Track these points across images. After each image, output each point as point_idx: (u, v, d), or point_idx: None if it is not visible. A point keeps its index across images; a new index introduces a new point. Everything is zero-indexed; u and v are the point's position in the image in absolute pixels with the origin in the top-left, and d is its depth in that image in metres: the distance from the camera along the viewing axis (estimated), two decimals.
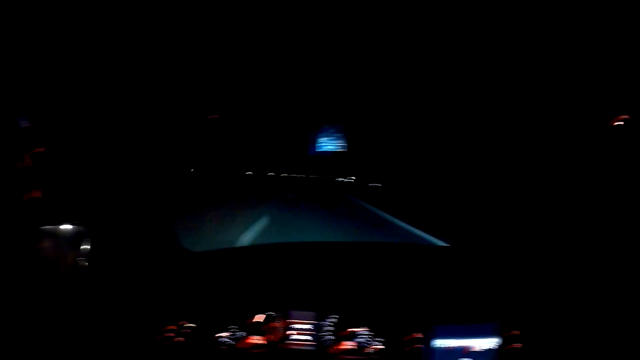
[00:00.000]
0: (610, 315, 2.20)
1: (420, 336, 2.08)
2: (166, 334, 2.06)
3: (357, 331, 2.09)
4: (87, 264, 2.21)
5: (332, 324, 2.10)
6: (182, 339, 2.05)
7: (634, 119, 2.85)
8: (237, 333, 2.08)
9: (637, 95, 2.88)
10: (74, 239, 2.31)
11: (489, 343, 2.16)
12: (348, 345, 2.08)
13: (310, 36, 3.51)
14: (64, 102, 2.72)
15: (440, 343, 2.10)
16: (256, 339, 2.08)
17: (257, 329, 2.09)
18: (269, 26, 3.24)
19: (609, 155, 2.83)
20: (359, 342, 2.09)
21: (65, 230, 2.32)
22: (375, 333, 2.09)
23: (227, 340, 2.07)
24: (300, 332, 2.09)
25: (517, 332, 2.18)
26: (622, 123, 2.91)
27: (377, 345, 2.09)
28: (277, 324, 2.10)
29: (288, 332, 2.09)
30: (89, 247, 2.24)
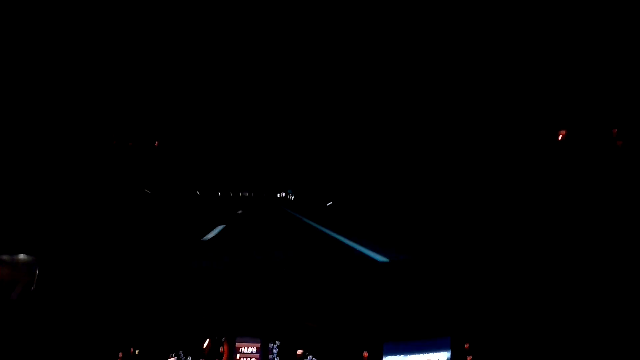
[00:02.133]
0: (557, 326, 2.19)
1: (368, 355, 2.08)
2: None
3: (303, 353, 2.09)
4: (38, 290, 2.24)
5: (278, 347, 2.10)
6: None
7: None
8: (185, 358, 2.10)
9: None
10: (28, 267, 2.33)
11: (439, 357, 2.16)
12: None
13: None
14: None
15: None
16: None
17: (204, 354, 2.10)
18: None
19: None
20: None
21: (21, 259, 2.35)
22: (323, 354, 2.09)
23: None
24: (247, 356, 2.10)
25: (466, 346, 2.18)
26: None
27: None
28: (224, 349, 2.11)
29: (234, 356, 2.10)
30: (38, 274, 2.26)
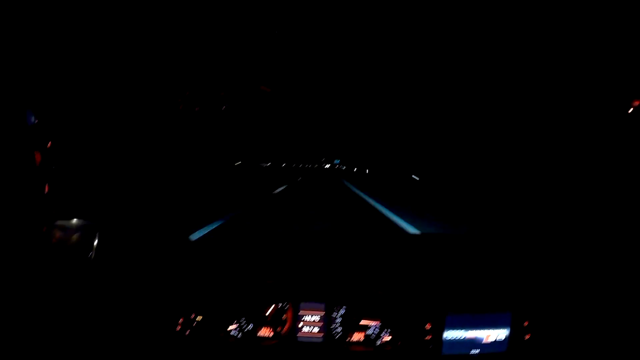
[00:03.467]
0: (616, 309, 2.18)
1: (431, 326, 2.07)
2: (178, 327, 2.07)
3: (367, 322, 2.09)
4: (98, 257, 2.24)
5: (342, 315, 2.10)
6: (189, 332, 2.07)
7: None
8: (247, 325, 2.09)
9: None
10: (86, 233, 2.34)
11: (500, 333, 2.16)
12: (358, 336, 2.09)
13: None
14: (69, 99, 2.73)
15: (451, 333, 2.09)
16: (266, 331, 2.09)
17: (267, 320, 2.10)
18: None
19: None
20: (369, 334, 2.09)
21: (77, 225, 2.35)
22: (386, 324, 2.09)
23: (237, 332, 2.08)
24: (310, 323, 2.09)
25: (526, 323, 2.17)
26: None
27: (387, 335, 2.09)
28: (287, 316, 2.10)
29: (298, 324, 2.09)
30: (98, 241, 2.27)
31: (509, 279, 2.24)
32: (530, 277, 2.26)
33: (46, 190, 2.55)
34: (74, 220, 2.38)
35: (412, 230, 5.23)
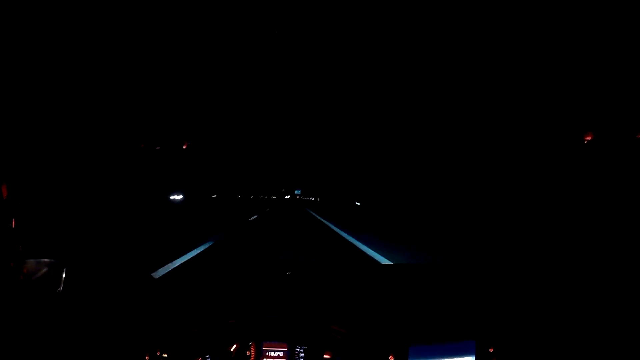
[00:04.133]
0: (580, 330, 2.19)
1: (393, 358, 2.09)
2: None
3: (329, 356, 2.11)
4: (64, 294, 2.25)
5: (304, 351, 2.12)
6: None
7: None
8: None
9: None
10: (53, 269, 2.34)
11: None
12: None
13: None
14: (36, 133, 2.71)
15: None
16: None
17: (232, 357, 2.12)
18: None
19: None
20: None
21: (45, 261, 2.36)
22: (349, 358, 2.10)
23: None
24: (273, 359, 2.11)
25: (491, 350, 2.18)
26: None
27: None
28: (250, 352, 2.12)
29: None
30: (64, 279, 2.27)
31: (472, 306, 2.25)
32: (492, 303, 2.27)
33: (13, 224, 2.55)
34: (43, 260, 2.38)
35: (383, 260, 5.19)
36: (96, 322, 2.20)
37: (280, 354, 2.10)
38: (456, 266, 2.45)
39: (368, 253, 5.85)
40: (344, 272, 2.63)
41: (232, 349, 2.11)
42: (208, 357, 2.11)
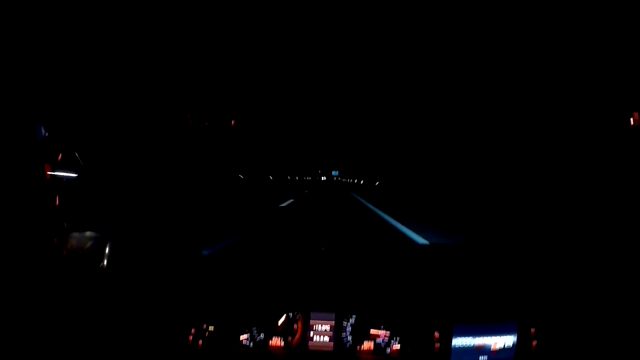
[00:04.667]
0: (619, 316, 2.22)
1: (439, 335, 2.11)
2: (190, 337, 2.10)
3: (376, 332, 2.13)
4: (110, 268, 2.28)
5: (352, 324, 2.14)
6: (201, 342, 2.10)
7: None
8: (258, 335, 2.13)
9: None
10: (97, 244, 2.37)
11: (507, 341, 2.19)
12: (368, 345, 2.12)
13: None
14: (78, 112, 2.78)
15: (459, 342, 2.13)
16: (277, 341, 2.12)
17: (278, 331, 2.13)
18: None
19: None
20: (378, 343, 2.12)
21: (89, 236, 2.39)
22: (395, 333, 2.12)
23: (248, 342, 2.11)
24: (320, 333, 2.13)
25: (532, 331, 2.21)
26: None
27: (396, 345, 2.12)
28: (298, 326, 2.14)
29: (309, 333, 2.13)
30: (110, 252, 2.30)
31: (515, 288, 2.28)
32: (535, 286, 2.30)
33: (57, 202, 2.59)
34: (87, 233, 2.42)
35: (421, 240, 5.25)
36: (143, 296, 2.22)
37: (328, 327, 2.11)
38: (498, 247, 2.50)
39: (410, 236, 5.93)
40: (388, 253, 2.67)
41: (279, 323, 2.12)
42: (255, 330, 2.12)
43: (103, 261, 2.34)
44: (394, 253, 2.59)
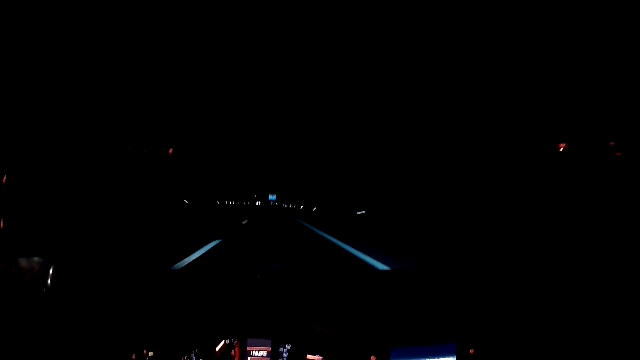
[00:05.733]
0: (557, 335, 2.25)
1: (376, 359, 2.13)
2: None
3: (312, 357, 2.14)
4: (51, 293, 2.27)
5: (288, 350, 2.15)
6: None
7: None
8: None
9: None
10: (41, 268, 2.37)
11: None
12: None
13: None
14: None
15: None
16: None
17: (216, 356, 2.15)
18: None
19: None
20: None
21: (33, 261, 2.38)
22: (330, 358, 2.14)
23: None
24: (257, 359, 2.14)
25: (471, 352, 2.23)
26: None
27: None
28: (235, 351, 2.16)
29: (246, 359, 2.15)
30: (52, 277, 2.29)
31: (454, 309, 2.30)
32: (473, 307, 2.32)
33: (1, 225, 2.57)
34: (31, 258, 2.41)
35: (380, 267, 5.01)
36: (84, 321, 2.23)
37: (264, 353, 2.13)
38: (438, 271, 2.52)
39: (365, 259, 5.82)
40: (330, 276, 2.68)
41: (217, 348, 2.14)
42: (194, 355, 2.14)
43: (45, 285, 2.33)
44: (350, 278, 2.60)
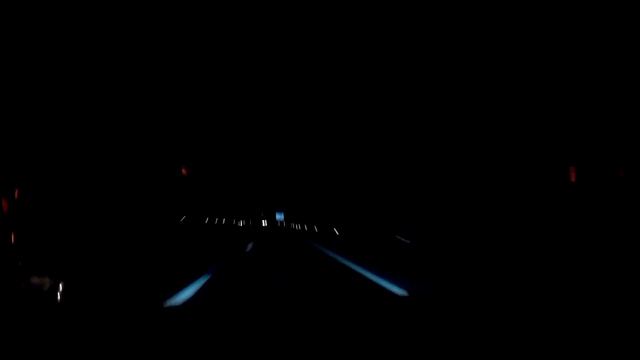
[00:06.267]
0: None
1: None
2: None
3: None
4: (61, 313, 2.27)
5: None
6: None
7: None
8: None
9: None
10: (50, 287, 2.37)
11: None
12: None
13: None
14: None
15: None
16: None
17: None
18: None
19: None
20: None
21: (42, 280, 2.38)
22: None
23: None
24: None
25: None
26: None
27: None
28: None
29: None
30: (60, 297, 2.29)
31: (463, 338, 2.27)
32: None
33: (12, 239, 2.58)
34: (41, 274, 2.41)
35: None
36: (90, 343, 2.22)
37: None
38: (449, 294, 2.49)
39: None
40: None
41: None
42: None
43: (54, 304, 2.33)
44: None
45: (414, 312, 2.28)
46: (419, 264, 7.35)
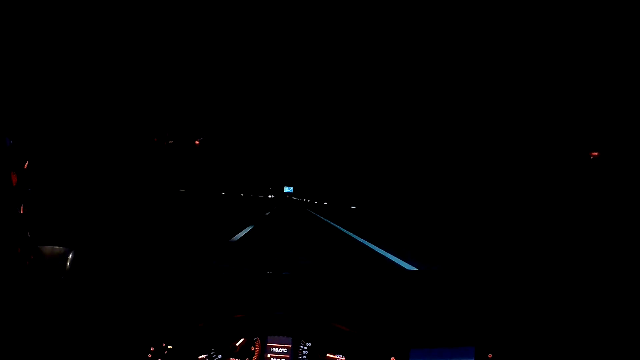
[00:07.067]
0: (578, 340, 2.25)
1: None
2: (149, 355, 2.12)
3: (332, 356, 2.15)
4: (70, 282, 2.27)
5: (308, 348, 2.15)
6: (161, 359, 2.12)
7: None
8: (216, 356, 2.15)
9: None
10: (59, 256, 2.35)
11: None
12: None
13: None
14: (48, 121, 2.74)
15: None
16: None
17: (236, 352, 2.15)
18: None
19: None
20: None
21: (51, 249, 2.37)
22: (351, 357, 2.14)
23: None
24: (277, 355, 2.15)
25: (490, 356, 2.24)
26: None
27: None
28: (255, 347, 2.16)
29: (266, 355, 2.15)
30: (71, 264, 2.28)
31: (472, 312, 2.30)
32: (493, 310, 2.32)
33: (21, 211, 2.55)
34: (55, 247, 2.40)
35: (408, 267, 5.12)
36: (102, 313, 2.23)
37: (285, 350, 2.13)
38: (456, 272, 2.52)
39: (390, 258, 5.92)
40: (351, 274, 2.68)
41: (237, 344, 2.14)
42: (213, 351, 2.14)
43: (63, 274, 2.32)
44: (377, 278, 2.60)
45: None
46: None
